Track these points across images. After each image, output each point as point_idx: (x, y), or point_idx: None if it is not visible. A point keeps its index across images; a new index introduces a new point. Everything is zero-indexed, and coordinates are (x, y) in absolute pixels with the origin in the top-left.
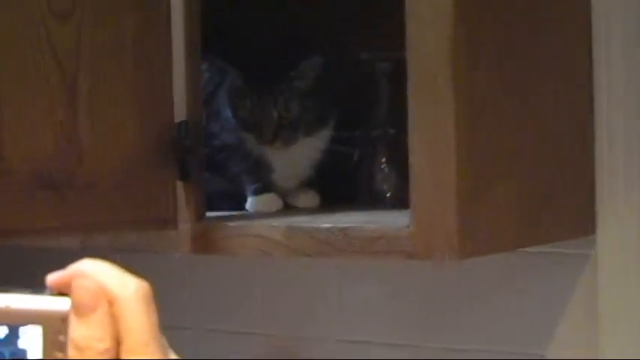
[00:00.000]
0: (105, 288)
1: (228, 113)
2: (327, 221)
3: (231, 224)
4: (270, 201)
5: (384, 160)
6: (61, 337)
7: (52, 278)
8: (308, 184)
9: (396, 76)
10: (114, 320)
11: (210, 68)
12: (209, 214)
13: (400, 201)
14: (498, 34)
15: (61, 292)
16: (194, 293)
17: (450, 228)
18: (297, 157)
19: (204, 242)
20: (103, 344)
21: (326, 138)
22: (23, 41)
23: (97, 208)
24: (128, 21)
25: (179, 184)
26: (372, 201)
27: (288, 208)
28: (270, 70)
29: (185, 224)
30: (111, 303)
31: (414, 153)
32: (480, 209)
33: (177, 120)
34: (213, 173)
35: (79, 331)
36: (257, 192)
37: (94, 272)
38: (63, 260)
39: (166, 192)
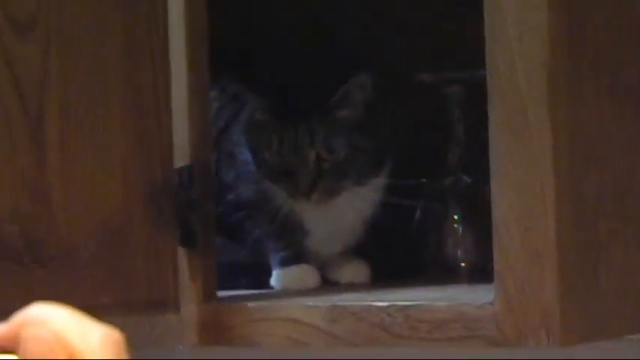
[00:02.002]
0: (62, 338)
1: (246, 157)
2: (383, 299)
3: (252, 305)
4: (303, 274)
5: (456, 217)
6: None
7: None
8: (354, 251)
9: (473, 104)
10: None
11: (220, 96)
12: (221, 293)
13: (479, 272)
14: (606, 52)
15: (6, 350)
16: None
17: (549, 305)
18: (340, 215)
19: (216, 330)
20: None
21: (379, 189)
22: None
23: (71, 287)
24: (111, 34)
25: (181, 253)
26: (442, 273)
27: (327, 285)
28: (301, 98)
29: (190, 307)
30: (70, 357)
31: (499, 209)
32: (590, 280)
33: (177, 165)
34: (225, 238)
35: None
36: (286, 262)
37: (49, 319)
38: None
39: (164, 263)
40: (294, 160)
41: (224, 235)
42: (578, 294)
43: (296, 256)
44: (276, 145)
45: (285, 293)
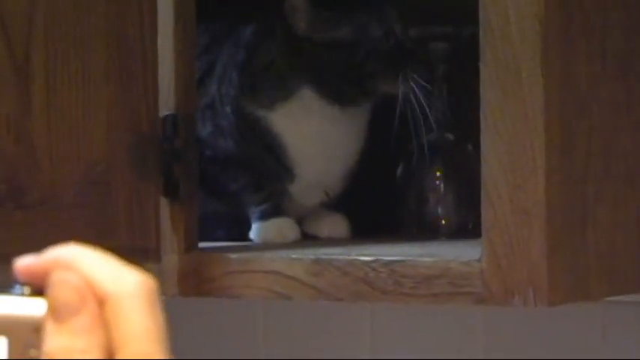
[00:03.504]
0: (94, 282)
1: (228, 108)
2: (367, 254)
3: (233, 256)
4: (283, 227)
5: (438, 174)
6: (33, 352)
7: (24, 264)
8: (333, 205)
9: (458, 60)
10: (105, 326)
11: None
12: (202, 244)
13: (459, 230)
14: (595, 14)
15: (34, 283)
16: (182, 350)
17: (537, 263)
18: (338, 151)
19: (196, 280)
20: (89, 357)
21: (367, 119)
22: None
23: (51, 232)
24: None
25: (164, 202)
26: (421, 229)
27: (307, 239)
28: None
29: (171, 256)
30: (101, 303)
31: (488, 165)
32: (577, 239)
33: (162, 113)
34: (203, 193)
35: (57, 342)
36: (265, 216)
37: (79, 261)
38: None
39: (147, 212)
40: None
41: (203, 189)
42: (566, 253)
43: (276, 209)
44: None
45: (267, 245)
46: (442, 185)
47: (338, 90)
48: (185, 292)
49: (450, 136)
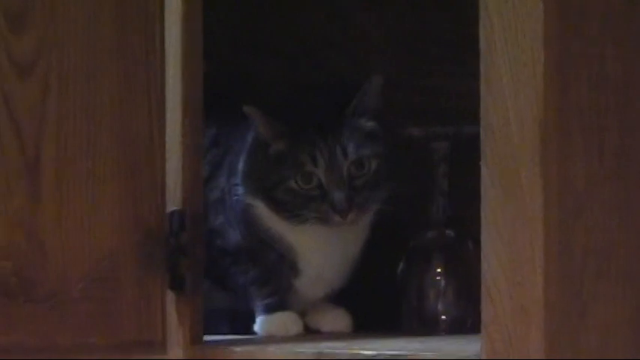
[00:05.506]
0: None
1: (237, 201)
2: (369, 348)
3: (238, 350)
4: (287, 321)
5: (439, 270)
6: None
7: None
8: (336, 299)
9: (458, 158)
10: None
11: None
12: (207, 337)
13: (459, 326)
14: (593, 113)
15: None
16: None
17: (536, 359)
18: (336, 249)
19: None
20: None
21: (370, 222)
22: None
23: (61, 325)
24: (108, 79)
25: (170, 296)
26: (421, 324)
27: (309, 333)
28: (309, 119)
29: (177, 349)
30: None
31: (489, 263)
32: (574, 335)
33: (169, 209)
34: (211, 284)
35: None
36: (270, 309)
37: None
38: None
39: (153, 306)
40: (329, 179)
41: (210, 280)
42: (563, 350)
43: (280, 303)
44: (309, 166)
45: (271, 339)
46: (442, 281)
47: None
48: None
49: (451, 233)
